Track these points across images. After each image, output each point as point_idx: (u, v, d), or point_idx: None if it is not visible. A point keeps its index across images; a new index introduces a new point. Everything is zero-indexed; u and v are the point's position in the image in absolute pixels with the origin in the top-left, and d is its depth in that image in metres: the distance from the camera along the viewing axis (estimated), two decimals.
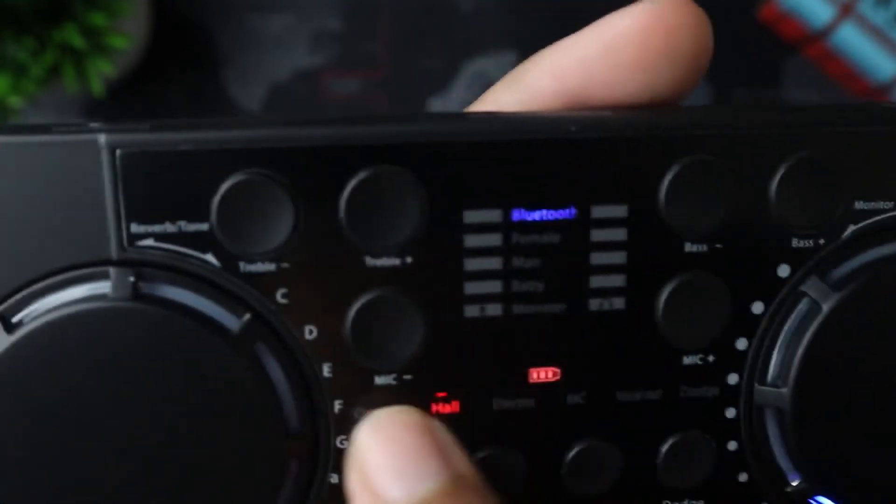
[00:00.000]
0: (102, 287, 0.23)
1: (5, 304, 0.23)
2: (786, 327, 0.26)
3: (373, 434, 0.24)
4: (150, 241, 0.24)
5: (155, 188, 0.23)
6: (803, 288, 0.26)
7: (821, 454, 0.26)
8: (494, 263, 0.25)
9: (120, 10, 0.58)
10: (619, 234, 0.25)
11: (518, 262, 0.25)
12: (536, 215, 0.25)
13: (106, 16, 0.57)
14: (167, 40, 0.67)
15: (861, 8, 0.62)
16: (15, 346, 0.23)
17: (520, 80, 0.26)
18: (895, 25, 0.64)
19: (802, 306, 0.26)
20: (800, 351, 0.26)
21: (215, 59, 0.69)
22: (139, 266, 0.24)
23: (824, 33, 0.64)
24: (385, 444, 0.23)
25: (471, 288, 0.25)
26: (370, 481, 0.23)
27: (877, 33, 0.64)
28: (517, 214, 0.25)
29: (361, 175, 0.24)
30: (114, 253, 0.24)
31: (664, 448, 0.26)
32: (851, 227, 0.26)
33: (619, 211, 0.25)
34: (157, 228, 0.24)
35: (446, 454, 0.23)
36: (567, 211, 0.25)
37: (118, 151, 0.23)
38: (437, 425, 0.24)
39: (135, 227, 0.23)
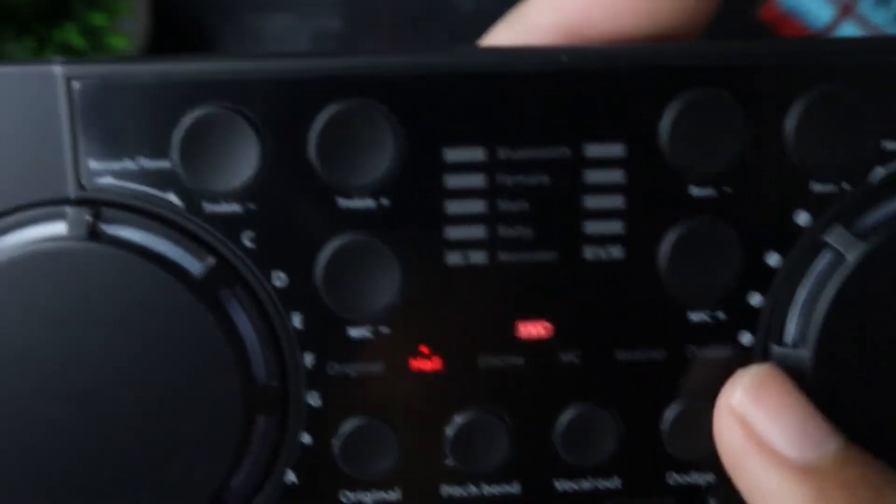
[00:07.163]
0: (59, 227, 0.22)
1: None
2: (805, 281, 0.23)
3: (756, 392, 0.23)
4: (108, 179, 0.22)
5: (114, 123, 0.22)
6: (825, 237, 0.23)
7: (845, 421, 0.23)
8: (478, 206, 0.23)
9: (120, 10, 0.58)
10: (616, 176, 0.23)
11: (504, 204, 0.23)
12: (524, 154, 0.23)
13: (106, 16, 0.57)
14: (167, 40, 0.67)
15: (861, 8, 0.60)
16: None
17: (520, 15, 0.24)
18: (895, 25, 0.61)
19: (824, 258, 0.23)
20: (822, 308, 0.23)
21: None
22: (97, 205, 0.22)
23: (824, 33, 0.62)
24: (774, 404, 0.22)
25: (452, 233, 0.23)
26: (763, 442, 0.22)
27: (877, 33, 0.62)
28: (503, 152, 0.23)
29: (332, 108, 0.22)
30: (71, 191, 0.22)
31: (669, 415, 0.24)
32: (879, 170, 0.23)
33: (616, 150, 0.23)
34: (116, 165, 0.22)
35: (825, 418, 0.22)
36: (558, 149, 0.23)
37: (75, 83, 0.22)
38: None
39: (93, 164, 0.22)
